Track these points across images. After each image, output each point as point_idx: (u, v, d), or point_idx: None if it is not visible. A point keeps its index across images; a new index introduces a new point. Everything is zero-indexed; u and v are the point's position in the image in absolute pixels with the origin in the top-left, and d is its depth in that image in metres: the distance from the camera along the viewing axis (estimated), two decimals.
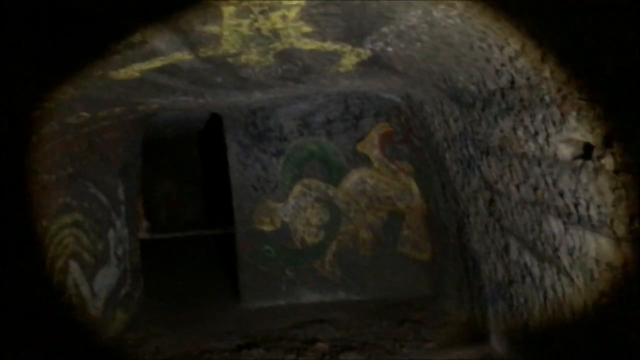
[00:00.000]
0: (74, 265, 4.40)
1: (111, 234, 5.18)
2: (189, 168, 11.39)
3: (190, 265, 8.19)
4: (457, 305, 4.74)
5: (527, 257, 3.19)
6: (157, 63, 3.06)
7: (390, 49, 3.09)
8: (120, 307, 5.24)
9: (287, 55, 3.23)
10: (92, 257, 4.70)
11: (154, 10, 2.25)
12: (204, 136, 10.77)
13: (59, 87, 3.32)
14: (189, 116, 7.87)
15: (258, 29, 2.67)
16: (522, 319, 3.38)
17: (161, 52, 2.85)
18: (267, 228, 5.74)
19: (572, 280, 2.66)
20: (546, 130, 2.54)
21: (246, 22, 2.55)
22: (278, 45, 2.99)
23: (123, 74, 3.18)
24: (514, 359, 3.55)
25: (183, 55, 2.97)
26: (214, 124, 8.24)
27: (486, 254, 3.84)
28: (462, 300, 4.58)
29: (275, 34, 2.76)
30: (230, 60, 3.17)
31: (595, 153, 2.18)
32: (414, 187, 5.56)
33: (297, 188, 5.70)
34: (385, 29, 2.74)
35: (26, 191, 3.84)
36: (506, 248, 3.47)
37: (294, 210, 5.71)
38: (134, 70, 3.14)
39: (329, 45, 3.07)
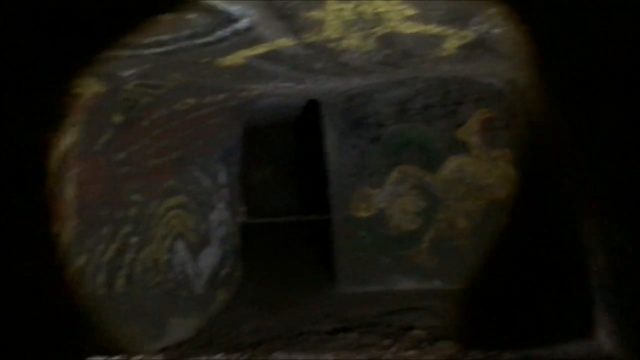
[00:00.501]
0: (180, 245, 4.63)
1: (213, 216, 5.38)
2: (286, 155, 11.60)
3: (286, 250, 8.37)
4: None
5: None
6: (261, 49, 3.13)
7: (496, 30, 2.99)
8: (221, 287, 5.45)
9: (388, 40, 3.20)
10: (196, 237, 4.91)
11: None
12: (300, 123, 10.93)
13: (169, 76, 3.49)
14: (286, 102, 7.99)
15: (360, 13, 2.67)
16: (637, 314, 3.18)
17: (266, 38, 2.91)
18: (363, 214, 5.75)
19: None
20: None
21: (349, 6, 2.55)
22: (379, 30, 2.97)
23: (229, 60, 3.29)
24: (625, 356, 3.35)
25: (287, 41, 3.02)
26: (310, 110, 8.33)
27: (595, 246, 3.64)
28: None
29: (377, 17, 2.75)
30: (331, 45, 3.19)
31: None
32: (515, 176, 5.35)
33: (394, 174, 5.65)
34: (492, 10, 2.65)
35: (140, 173, 4.07)
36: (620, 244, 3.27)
37: (391, 197, 5.67)
38: (239, 57, 3.23)
39: (432, 28, 3.01)
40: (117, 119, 3.83)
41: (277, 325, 4.83)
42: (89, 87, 3.08)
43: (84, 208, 3.60)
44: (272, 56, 3.34)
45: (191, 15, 2.42)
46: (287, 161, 11.60)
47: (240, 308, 5.41)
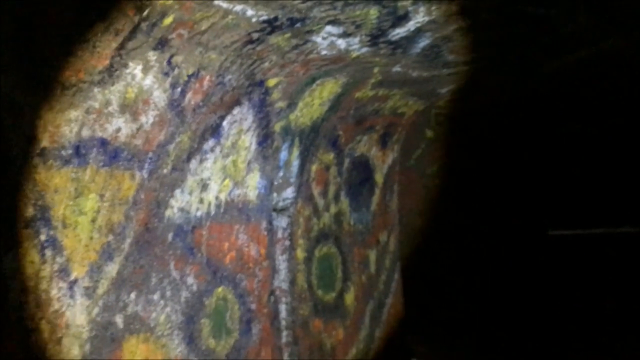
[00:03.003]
0: None
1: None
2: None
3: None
4: None
5: None
6: (582, 53, 2.99)
7: None
8: None
9: None
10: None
11: None
12: None
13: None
14: None
15: None
16: None
17: (588, 40, 2.77)
18: None
19: None
20: None
21: None
22: None
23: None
24: None
25: (610, 41, 2.83)
26: None
27: None
28: None
29: None
30: None
31: None
32: None
33: None
34: None
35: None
36: None
37: None
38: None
39: None
40: (429, 134, 4.05)
41: None
42: (411, 107, 3.32)
43: (402, 218, 3.88)
44: (597, 61, 3.15)
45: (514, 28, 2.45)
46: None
47: None
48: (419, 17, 2.16)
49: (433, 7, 2.10)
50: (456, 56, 2.70)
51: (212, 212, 2.21)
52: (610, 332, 5.17)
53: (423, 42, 2.43)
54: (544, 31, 2.48)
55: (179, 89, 1.87)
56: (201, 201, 2.14)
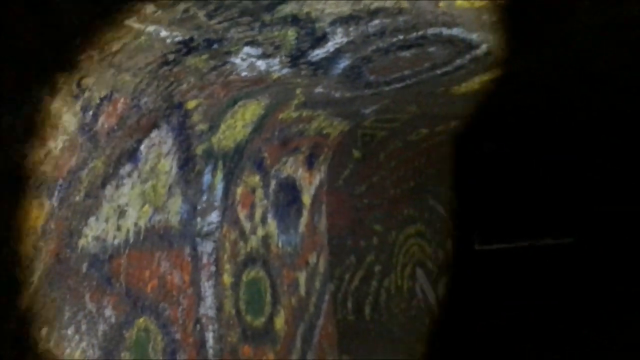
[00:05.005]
0: (419, 272, 4.71)
1: (449, 244, 5.38)
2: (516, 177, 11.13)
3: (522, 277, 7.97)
4: None
5: None
6: (497, 72, 3.10)
7: None
8: (459, 315, 5.40)
9: None
10: (434, 265, 4.95)
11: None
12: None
13: (405, 108, 3.62)
14: None
15: None
16: None
17: (504, 61, 2.88)
18: None
19: None
20: None
21: None
22: None
23: (464, 87, 3.31)
24: None
25: (525, 62, 2.96)
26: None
27: None
28: None
29: None
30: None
31: None
32: None
33: None
34: None
35: (380, 204, 4.26)
36: None
37: None
38: (475, 82, 3.23)
39: None
40: (356, 154, 4.08)
41: None
42: (336, 127, 3.34)
43: (333, 239, 3.88)
44: (506, 79, 3.28)
45: (432, 48, 2.51)
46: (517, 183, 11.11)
47: None
48: (338, 38, 2.18)
49: (351, 28, 2.13)
50: (377, 77, 2.74)
51: (131, 240, 2.12)
52: (538, 341, 5.34)
53: (343, 63, 2.45)
54: (457, 54, 2.56)
55: (90, 113, 1.79)
56: (118, 229, 2.06)
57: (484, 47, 2.61)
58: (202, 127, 2.38)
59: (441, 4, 2.05)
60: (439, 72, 2.85)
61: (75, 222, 1.86)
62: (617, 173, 7.54)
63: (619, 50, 2.88)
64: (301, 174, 3.32)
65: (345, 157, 4.00)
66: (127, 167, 2.07)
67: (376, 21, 2.11)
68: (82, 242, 1.89)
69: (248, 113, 2.60)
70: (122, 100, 1.90)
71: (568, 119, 5.13)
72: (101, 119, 1.85)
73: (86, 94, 1.76)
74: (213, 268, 2.60)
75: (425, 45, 2.44)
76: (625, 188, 7.50)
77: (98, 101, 1.81)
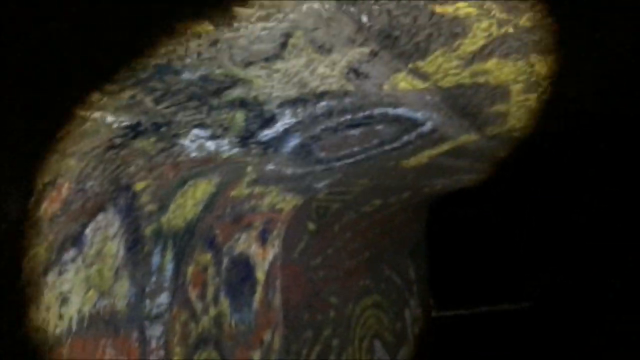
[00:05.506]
0: (377, 345, 4.64)
1: (407, 313, 5.35)
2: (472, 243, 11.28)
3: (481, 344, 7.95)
4: None
5: None
6: (445, 147, 3.20)
7: None
8: None
9: None
10: (393, 336, 4.90)
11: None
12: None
13: (357, 182, 3.67)
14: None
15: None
16: None
17: (450, 136, 2.98)
18: None
19: None
20: None
21: (533, 96, 2.54)
22: None
23: (413, 161, 3.39)
24: None
25: (470, 137, 3.06)
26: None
27: None
28: None
29: None
30: (516, 134, 3.16)
31: None
32: None
33: None
34: None
35: (336, 276, 4.23)
36: None
37: None
38: (424, 156, 3.32)
39: None
40: (311, 227, 4.08)
41: None
42: (289, 202, 3.35)
43: (288, 314, 3.81)
44: (456, 152, 3.38)
45: (379, 127, 2.58)
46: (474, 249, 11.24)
47: None
48: (286, 119, 2.22)
49: (299, 110, 2.17)
50: (327, 153, 2.78)
51: (74, 328, 2.04)
52: None
53: (293, 142, 2.49)
54: (404, 131, 2.63)
55: (32, 199, 1.75)
56: (60, 317, 1.97)
57: (429, 125, 2.70)
58: (151, 207, 2.35)
59: (385, 86, 2.13)
60: (387, 147, 2.93)
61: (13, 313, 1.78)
62: (571, 237, 7.73)
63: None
64: (254, 249, 3.29)
65: (299, 230, 3.99)
66: (71, 252, 2.01)
67: (323, 103, 2.17)
68: (19, 333, 1.81)
69: (199, 192, 2.59)
70: (66, 185, 1.87)
71: (521, 187, 5.30)
72: (44, 205, 1.81)
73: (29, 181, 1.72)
74: (162, 352, 2.50)
75: (373, 124, 2.51)
76: (581, 252, 7.68)
77: (41, 187, 1.77)
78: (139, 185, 2.23)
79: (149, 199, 2.32)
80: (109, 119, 1.75)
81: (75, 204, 1.94)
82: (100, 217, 2.10)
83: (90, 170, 1.94)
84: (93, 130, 1.77)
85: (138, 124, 1.86)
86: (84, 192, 1.96)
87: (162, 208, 2.42)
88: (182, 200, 2.52)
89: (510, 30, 1.76)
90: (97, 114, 1.70)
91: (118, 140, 1.90)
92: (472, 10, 1.63)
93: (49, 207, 1.83)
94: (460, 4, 1.60)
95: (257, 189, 2.96)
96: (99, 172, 1.98)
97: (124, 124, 1.82)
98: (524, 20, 1.71)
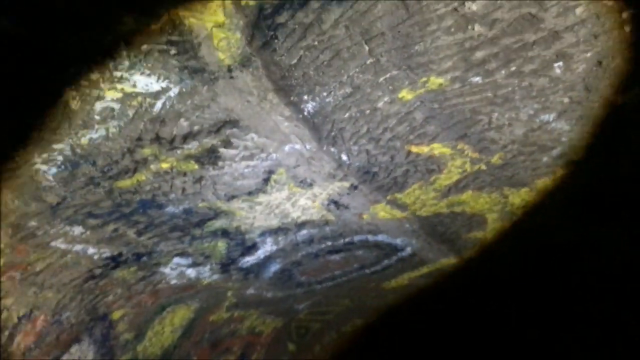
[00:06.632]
0: None
1: None
2: None
3: None
4: None
5: None
6: (424, 270, 3.22)
7: None
8: None
9: None
10: None
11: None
12: None
13: (339, 302, 3.64)
14: None
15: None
16: None
17: (429, 260, 3.01)
18: None
19: None
20: None
21: (508, 224, 2.61)
22: None
23: (394, 283, 3.39)
24: None
25: (449, 260, 3.09)
26: None
27: None
28: None
29: None
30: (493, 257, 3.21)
31: None
32: None
33: None
34: None
35: None
36: None
37: None
38: (404, 278, 3.33)
39: None
40: (291, 347, 3.99)
41: None
42: (269, 325, 3.29)
43: None
44: (434, 274, 3.40)
45: (360, 252, 2.60)
46: None
47: None
48: (268, 247, 2.24)
49: (280, 238, 2.20)
50: (308, 277, 2.78)
51: None
52: None
53: (274, 267, 2.49)
54: (385, 255, 2.66)
55: (6, 333, 1.71)
56: None
57: (408, 250, 2.74)
58: (127, 336, 2.29)
59: (365, 215, 2.18)
60: (368, 271, 2.94)
61: None
62: None
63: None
64: None
65: (279, 351, 3.89)
66: None
67: (304, 231, 2.20)
68: None
69: (177, 318, 2.54)
70: (42, 317, 1.83)
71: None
72: (17, 339, 1.76)
73: (4, 315, 1.69)
74: None
75: (353, 250, 2.54)
76: None
77: (16, 321, 1.74)
78: (116, 314, 2.19)
79: (125, 328, 2.27)
80: (91, 250, 1.76)
81: (50, 336, 1.90)
82: (74, 348, 2.04)
83: (67, 301, 1.91)
84: (74, 262, 1.77)
85: (119, 254, 1.86)
86: (59, 324, 1.92)
87: (139, 336, 2.37)
88: (159, 327, 2.47)
89: (483, 167, 1.85)
90: (78, 247, 1.70)
91: (98, 271, 1.89)
92: (447, 150, 1.71)
93: (22, 340, 1.78)
94: (435, 145, 1.69)
95: (237, 313, 2.92)
96: (76, 303, 1.95)
97: (105, 255, 1.82)
98: (496, 159, 1.80)
